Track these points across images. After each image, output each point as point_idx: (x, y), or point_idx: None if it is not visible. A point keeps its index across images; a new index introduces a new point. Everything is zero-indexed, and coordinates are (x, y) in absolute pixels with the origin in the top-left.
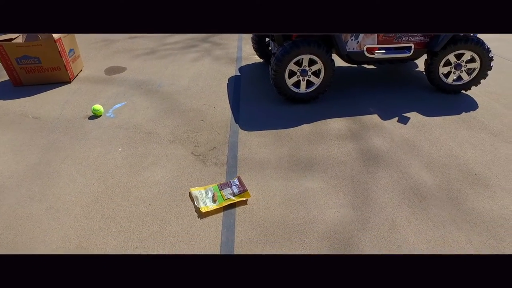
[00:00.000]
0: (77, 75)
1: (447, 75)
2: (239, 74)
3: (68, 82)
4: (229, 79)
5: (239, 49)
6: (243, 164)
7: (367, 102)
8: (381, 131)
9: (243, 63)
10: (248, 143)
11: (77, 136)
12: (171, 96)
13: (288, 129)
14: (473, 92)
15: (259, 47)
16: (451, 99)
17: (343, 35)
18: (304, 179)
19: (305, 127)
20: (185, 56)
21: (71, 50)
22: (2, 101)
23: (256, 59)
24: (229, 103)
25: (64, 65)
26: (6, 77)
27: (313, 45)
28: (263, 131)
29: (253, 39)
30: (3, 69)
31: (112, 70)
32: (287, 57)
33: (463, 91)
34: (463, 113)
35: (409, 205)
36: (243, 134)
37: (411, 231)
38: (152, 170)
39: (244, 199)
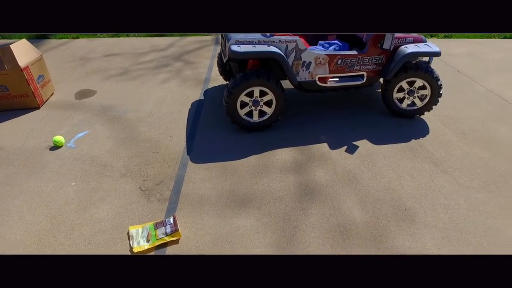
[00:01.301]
0: (48, 99)
1: (401, 100)
2: (203, 98)
3: (37, 108)
4: (192, 104)
5: (209, 69)
6: (184, 200)
7: (320, 129)
8: (326, 162)
9: (210, 85)
10: (193, 177)
11: (35, 169)
12: (133, 124)
13: (235, 161)
14: (428, 115)
15: (224, 70)
16: (404, 124)
17: (294, 66)
18: (237, 217)
19: (252, 159)
20: (155, 77)
21: (40, 76)
22: None
23: (223, 80)
24: (186, 131)
25: (32, 92)
26: None
27: (262, 77)
28: (211, 164)
29: (218, 63)
30: None
31: (83, 94)
32: (237, 89)
33: (417, 116)
34: (412, 140)
35: (331, 244)
36: (191, 167)
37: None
38: (99, 206)
39: (175, 238)
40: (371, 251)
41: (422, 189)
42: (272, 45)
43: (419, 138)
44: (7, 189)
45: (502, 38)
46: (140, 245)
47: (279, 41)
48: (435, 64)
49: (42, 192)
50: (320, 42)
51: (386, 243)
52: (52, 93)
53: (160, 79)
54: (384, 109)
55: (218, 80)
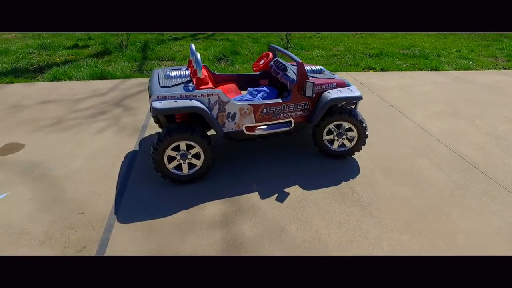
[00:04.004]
0: None
1: (331, 142)
2: (138, 148)
3: None
4: (126, 156)
5: (148, 115)
6: None
7: (252, 177)
8: (255, 213)
9: (147, 133)
10: (118, 240)
11: None
12: (60, 182)
13: (163, 218)
14: (359, 154)
15: (157, 119)
16: (336, 166)
17: (219, 118)
18: None
19: (181, 214)
20: (90, 127)
21: None
22: None
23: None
24: (116, 188)
25: None
26: None
27: (186, 132)
28: (138, 223)
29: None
30: None
31: (8, 149)
32: (162, 145)
33: (348, 156)
34: (343, 182)
35: None
36: (117, 228)
37: None
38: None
39: None
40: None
41: (349, 235)
42: (194, 99)
43: (349, 180)
44: None
45: (429, 71)
46: None
47: (201, 94)
48: (372, 98)
49: None
50: (249, 89)
51: None
52: None
53: (95, 128)
54: (317, 152)
55: (155, 127)
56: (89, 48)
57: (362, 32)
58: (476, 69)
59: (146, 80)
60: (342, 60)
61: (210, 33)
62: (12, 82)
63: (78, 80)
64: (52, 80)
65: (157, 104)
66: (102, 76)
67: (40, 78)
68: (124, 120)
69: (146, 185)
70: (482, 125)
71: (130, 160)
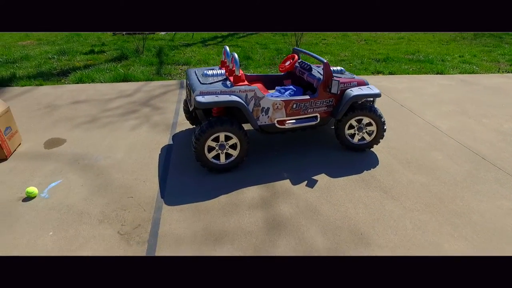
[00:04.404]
0: (15, 150)
1: (352, 136)
2: (171, 142)
3: (5, 159)
4: (162, 149)
5: (176, 113)
6: (162, 242)
7: (282, 167)
8: (289, 197)
9: (178, 130)
10: (169, 219)
11: (10, 221)
12: (106, 170)
13: (206, 201)
14: (377, 148)
15: (190, 116)
16: (356, 157)
17: (254, 112)
18: (213, 253)
19: (223, 198)
20: (124, 124)
21: (7, 128)
22: None
23: (189, 124)
24: (158, 176)
25: (0, 144)
26: None
27: (226, 124)
28: (184, 205)
29: (184, 109)
30: None
31: (52, 143)
32: (204, 136)
33: (367, 149)
34: (364, 171)
35: None
36: (166, 210)
37: None
38: (79, 254)
39: None
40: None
41: (375, 215)
42: (233, 95)
43: (370, 169)
44: None
45: (435, 74)
46: None
47: (239, 90)
48: (383, 99)
49: (18, 245)
50: (276, 87)
51: None
52: (20, 144)
53: (129, 125)
54: (339, 145)
55: (185, 124)
56: (105, 54)
57: (364, 34)
58: (480, 73)
59: (168, 82)
60: (351, 64)
61: (220, 39)
62: (41, 85)
63: (102, 82)
64: (77, 83)
65: (200, 99)
66: (125, 79)
67: (65, 81)
68: (154, 118)
69: (185, 173)
70: (489, 123)
71: (167, 153)
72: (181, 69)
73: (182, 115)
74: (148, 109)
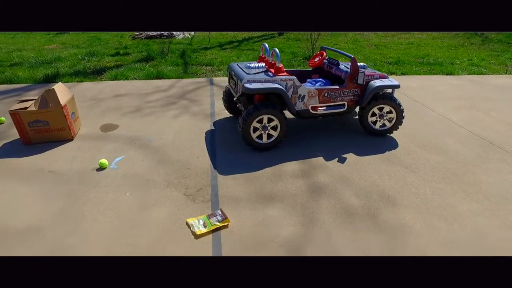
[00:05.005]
0: (77, 133)
1: (374, 123)
2: (213, 128)
3: (71, 139)
4: (206, 133)
5: (212, 105)
6: (223, 200)
7: (315, 147)
8: (324, 169)
9: (216, 118)
10: (225, 184)
11: (91, 185)
12: (161, 149)
13: (255, 172)
14: (395, 134)
15: (229, 105)
16: (378, 141)
17: (292, 98)
18: (267, 208)
19: (268, 170)
20: (166, 113)
21: (72, 113)
22: (20, 158)
23: (227, 114)
24: (208, 153)
25: (68, 126)
26: (13, 138)
27: (270, 108)
28: (236, 175)
29: (223, 99)
30: (10, 130)
31: (107, 128)
32: (250, 118)
33: (388, 134)
34: (386, 151)
35: (341, 221)
36: (221, 178)
37: (341, 238)
38: (155, 208)
39: (226, 224)
40: (315, 253)
41: (398, 183)
42: (276, 83)
43: (391, 150)
44: (74, 200)
45: (445, 75)
46: (200, 229)
47: (281, 79)
48: (398, 95)
49: (104, 201)
50: (308, 80)
51: (378, 218)
52: (79, 128)
53: (171, 114)
54: (362, 131)
55: (222, 114)
56: (130, 55)
57: (374, 39)
58: (488, 74)
59: (198, 80)
60: None
61: (236, 44)
62: (82, 81)
63: (136, 79)
64: (113, 80)
65: (248, 85)
66: (158, 76)
67: (101, 78)
68: (193, 108)
69: (231, 152)
70: (497, 116)
71: (211, 136)
72: (206, 69)
73: (217, 106)
74: (185, 101)
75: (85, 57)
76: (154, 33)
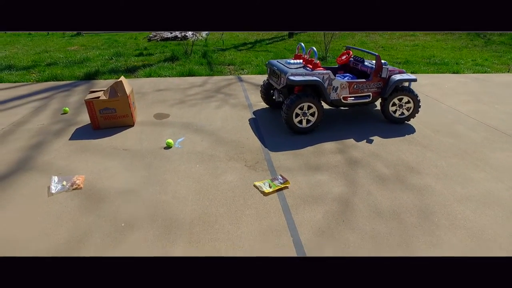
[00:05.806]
0: (136, 120)
1: (394, 111)
2: (255, 116)
3: (132, 125)
4: (249, 120)
5: (247, 98)
6: (279, 170)
7: (346, 131)
8: (356, 148)
9: (254, 109)
10: (277, 159)
11: (164, 159)
12: (214, 132)
13: (299, 150)
14: (412, 122)
15: (266, 96)
16: (398, 127)
17: (327, 89)
18: (316, 175)
19: (310, 148)
20: (209, 105)
21: (133, 102)
22: (95, 140)
23: (263, 105)
24: (256, 136)
25: (131, 113)
26: (82, 124)
27: (309, 96)
28: (284, 152)
29: (261, 91)
30: (76, 117)
31: (160, 116)
32: (293, 105)
33: (406, 122)
34: (406, 135)
35: (376, 184)
36: (272, 154)
37: (379, 194)
38: (225, 175)
39: (286, 185)
40: (360, 206)
41: (419, 158)
42: (315, 76)
43: (410, 134)
44: (154, 170)
45: (451, 74)
46: (268, 189)
47: (318, 73)
48: None
49: (180, 170)
50: (337, 74)
51: (406, 182)
52: (137, 116)
53: (213, 106)
54: (383, 120)
55: (258, 105)
56: (154, 56)
57: (381, 41)
58: (491, 73)
59: (227, 77)
60: None
61: (250, 45)
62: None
63: (169, 76)
64: (147, 77)
65: (293, 78)
66: (190, 74)
67: (135, 76)
68: (231, 101)
69: (276, 135)
70: (501, 108)
71: (254, 122)
72: (229, 68)
73: (252, 99)
74: (222, 95)
75: (113, 57)
76: (169, 35)
